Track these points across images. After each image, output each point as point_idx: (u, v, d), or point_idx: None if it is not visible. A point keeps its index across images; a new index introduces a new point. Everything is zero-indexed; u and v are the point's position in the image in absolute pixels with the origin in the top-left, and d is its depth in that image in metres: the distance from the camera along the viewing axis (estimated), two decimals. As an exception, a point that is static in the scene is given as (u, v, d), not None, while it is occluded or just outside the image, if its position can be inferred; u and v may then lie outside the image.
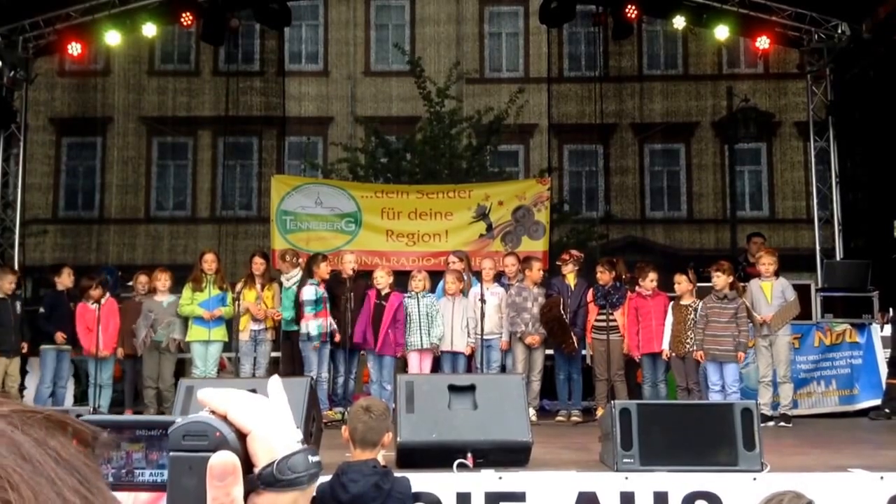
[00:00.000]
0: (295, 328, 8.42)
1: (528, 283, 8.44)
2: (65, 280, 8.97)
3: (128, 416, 0.76)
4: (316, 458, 0.71)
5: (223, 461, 0.66)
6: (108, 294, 8.82)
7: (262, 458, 0.69)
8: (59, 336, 8.58)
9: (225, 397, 0.70)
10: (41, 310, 8.86)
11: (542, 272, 8.63)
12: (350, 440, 3.48)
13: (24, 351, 8.71)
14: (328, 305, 8.31)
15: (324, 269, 8.45)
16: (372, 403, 3.57)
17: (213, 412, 0.70)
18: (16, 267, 10.57)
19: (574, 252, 9.09)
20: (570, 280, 8.55)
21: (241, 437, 0.69)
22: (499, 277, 8.92)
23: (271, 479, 0.68)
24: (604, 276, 8.45)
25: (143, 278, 8.95)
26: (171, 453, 0.68)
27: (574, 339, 8.24)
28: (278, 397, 0.75)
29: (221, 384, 5.75)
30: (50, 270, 9.44)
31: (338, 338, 8.30)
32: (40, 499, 0.49)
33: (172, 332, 8.52)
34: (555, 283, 8.60)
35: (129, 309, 8.81)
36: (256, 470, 0.69)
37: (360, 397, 6.28)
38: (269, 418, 0.70)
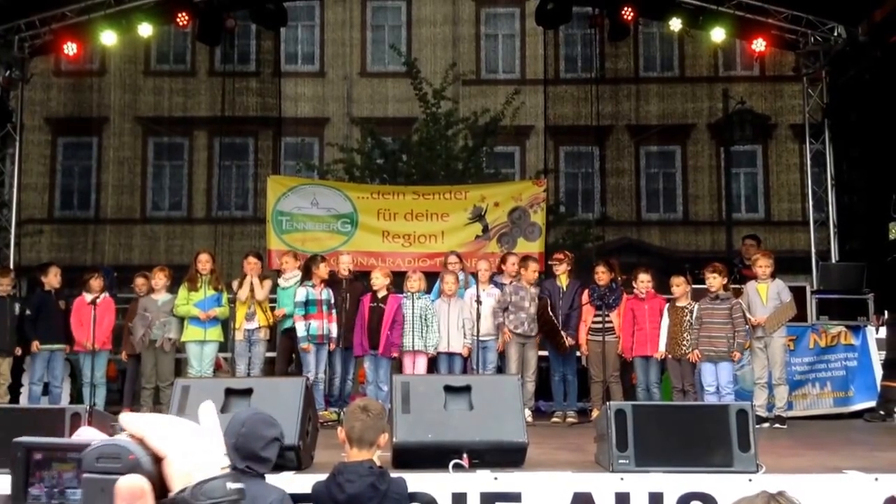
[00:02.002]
0: (289, 325, 8.42)
1: (525, 282, 8.45)
2: (51, 280, 8.88)
3: (57, 440, 0.77)
4: (237, 486, 0.71)
5: (131, 484, 0.66)
6: (105, 292, 8.82)
7: (177, 482, 0.68)
8: (35, 346, 8.54)
9: (142, 421, 0.70)
10: (27, 311, 8.78)
11: (536, 273, 8.63)
12: (347, 440, 3.48)
13: (19, 353, 8.68)
14: (325, 307, 8.30)
15: (323, 270, 8.45)
16: (369, 403, 3.58)
17: (130, 435, 0.70)
18: (11, 267, 10.56)
19: (566, 252, 9.13)
20: (563, 281, 8.56)
21: (158, 461, 0.69)
22: (493, 279, 8.93)
23: None
24: (603, 276, 8.46)
25: (140, 280, 8.95)
26: (85, 475, 0.68)
27: (565, 339, 8.25)
28: (208, 422, 0.75)
29: (217, 384, 5.74)
30: (38, 270, 9.40)
31: (332, 346, 8.29)
32: None
33: (168, 331, 8.52)
34: (546, 285, 8.61)
35: (129, 308, 8.80)
36: (171, 494, 0.68)
37: (356, 398, 6.29)
38: (187, 443, 0.70)
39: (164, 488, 0.68)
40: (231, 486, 0.70)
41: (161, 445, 0.69)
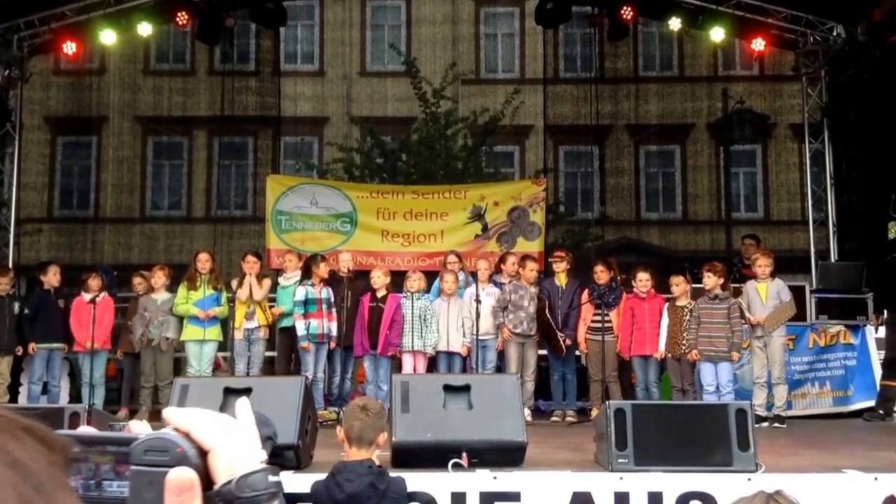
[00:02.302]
0: (289, 325, 8.43)
1: (524, 281, 8.45)
2: (51, 279, 8.87)
3: (99, 433, 0.79)
4: (276, 479, 0.73)
5: (180, 476, 0.67)
6: (104, 291, 8.82)
7: (222, 475, 0.70)
8: (31, 347, 8.53)
9: (188, 416, 0.72)
10: (26, 311, 8.77)
11: (534, 272, 8.63)
12: (346, 439, 3.48)
13: (20, 353, 8.67)
14: (324, 306, 8.30)
15: (323, 270, 8.45)
16: (368, 403, 3.58)
17: (176, 429, 0.71)
18: (10, 266, 10.55)
19: (566, 251, 9.14)
20: (562, 280, 8.56)
21: (203, 454, 0.70)
22: (492, 278, 8.93)
23: (230, 496, 0.70)
24: (602, 275, 8.46)
25: (137, 279, 8.94)
26: (133, 467, 0.69)
27: (562, 340, 8.25)
28: (245, 417, 0.77)
29: (216, 383, 5.74)
30: (37, 269, 9.39)
31: (332, 345, 8.29)
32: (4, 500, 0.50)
33: (166, 330, 8.51)
34: (545, 285, 8.61)
35: (129, 308, 8.80)
36: (216, 487, 0.70)
37: (355, 397, 6.28)
38: (231, 437, 0.72)
39: (208, 481, 0.70)
40: (272, 478, 0.73)
41: (206, 439, 0.71)
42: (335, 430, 3.74)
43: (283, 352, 8.71)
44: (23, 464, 0.53)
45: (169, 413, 0.73)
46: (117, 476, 0.75)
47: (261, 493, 0.71)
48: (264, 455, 0.75)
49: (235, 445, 0.72)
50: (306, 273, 8.50)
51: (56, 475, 0.55)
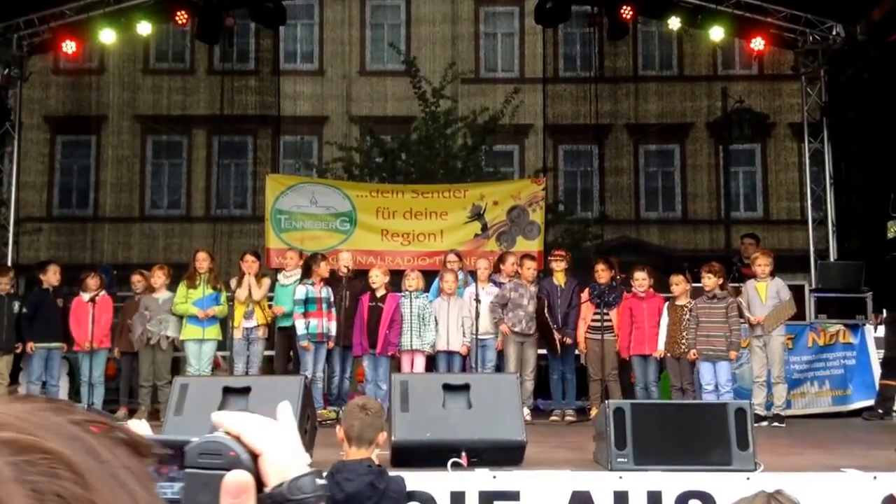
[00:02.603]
0: (286, 324, 8.43)
1: (524, 280, 8.46)
2: (50, 278, 8.85)
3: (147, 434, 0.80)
4: (322, 482, 0.75)
5: (238, 479, 0.69)
6: (104, 290, 8.81)
7: (273, 478, 0.72)
8: (30, 347, 8.53)
9: (239, 420, 0.74)
10: (24, 310, 8.76)
11: (533, 271, 8.62)
12: (345, 438, 3.49)
13: (19, 351, 8.67)
14: (324, 305, 8.30)
15: (323, 269, 8.45)
16: (368, 402, 3.58)
17: (227, 433, 0.73)
18: (9, 266, 10.54)
19: (565, 250, 9.15)
20: (560, 279, 8.56)
21: (254, 457, 0.72)
22: (491, 277, 8.93)
23: (281, 499, 0.71)
24: (603, 274, 8.46)
25: (137, 277, 8.94)
26: (188, 470, 0.71)
27: (559, 341, 8.25)
28: (287, 421, 0.79)
29: (215, 382, 5.75)
30: (37, 268, 9.38)
31: (331, 344, 8.30)
32: (116, 501, 0.51)
33: (165, 329, 8.51)
34: (544, 284, 8.60)
35: (127, 306, 8.79)
36: (267, 489, 0.72)
37: (354, 396, 6.28)
38: (281, 441, 0.74)
39: (258, 483, 0.71)
40: (319, 481, 0.74)
41: (257, 443, 0.73)
42: (334, 430, 3.74)
43: (282, 351, 8.71)
44: (131, 469, 0.54)
45: (219, 417, 0.75)
46: (160, 477, 0.76)
47: (309, 495, 0.72)
48: (308, 458, 0.77)
49: (285, 449, 0.74)
50: (306, 272, 8.50)
51: (152, 480, 0.57)
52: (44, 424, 0.52)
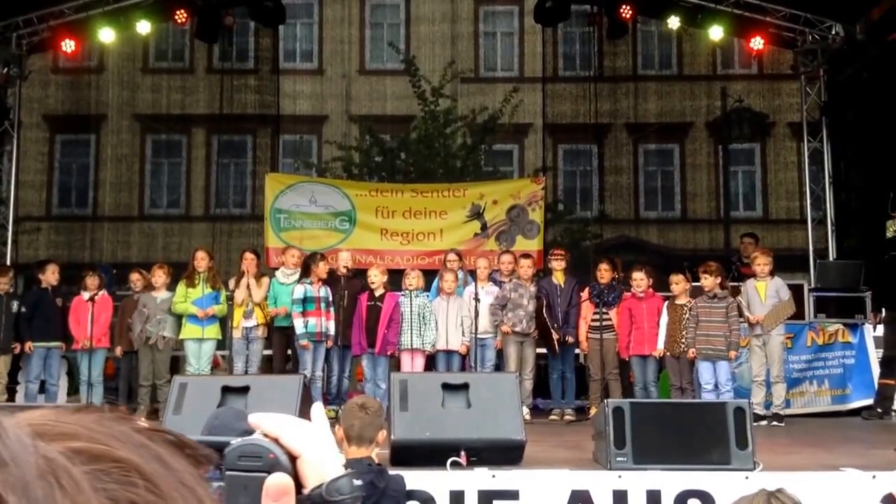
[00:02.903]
0: (287, 324, 8.43)
1: (522, 279, 8.46)
2: (49, 277, 8.83)
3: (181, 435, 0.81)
4: (359, 482, 0.76)
5: (279, 482, 0.70)
6: (104, 289, 8.81)
7: (312, 480, 0.73)
8: (28, 346, 8.52)
9: (277, 422, 0.74)
10: (23, 309, 8.75)
11: (530, 269, 8.61)
12: (345, 438, 3.49)
13: (17, 351, 8.66)
14: (323, 305, 8.31)
15: (322, 269, 8.45)
16: (367, 401, 3.58)
17: (265, 435, 0.74)
18: (8, 265, 10.54)
19: (564, 249, 9.16)
20: (560, 279, 8.56)
21: (292, 459, 0.72)
22: (491, 276, 8.93)
23: (319, 500, 0.72)
24: (606, 274, 8.46)
25: (136, 275, 8.94)
26: (228, 472, 0.71)
27: (557, 341, 8.25)
28: (321, 423, 0.79)
29: (214, 381, 5.75)
30: (36, 267, 9.37)
31: (330, 343, 8.30)
32: None
33: (163, 329, 8.51)
34: (543, 284, 8.60)
35: (126, 306, 8.80)
36: (305, 491, 0.72)
37: (354, 395, 6.29)
38: (318, 443, 0.75)
39: (297, 485, 0.72)
40: (356, 482, 0.75)
41: (296, 445, 0.73)
42: (333, 429, 3.74)
43: (279, 350, 8.71)
44: (194, 476, 0.55)
45: (257, 419, 0.75)
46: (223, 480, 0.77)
47: (346, 496, 0.73)
48: (343, 459, 0.78)
49: (322, 451, 0.75)
50: (305, 271, 8.50)
51: (205, 482, 0.57)
52: (112, 433, 0.52)
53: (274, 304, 8.53)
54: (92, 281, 8.72)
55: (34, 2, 10.85)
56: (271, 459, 0.71)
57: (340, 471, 0.74)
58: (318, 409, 0.83)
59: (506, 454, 4.98)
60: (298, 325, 8.20)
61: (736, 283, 8.89)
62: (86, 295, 8.64)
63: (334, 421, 5.92)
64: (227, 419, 3.31)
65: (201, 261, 8.58)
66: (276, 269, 9.37)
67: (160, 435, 0.56)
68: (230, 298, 8.47)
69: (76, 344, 8.62)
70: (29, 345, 8.54)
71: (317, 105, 17.43)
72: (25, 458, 0.48)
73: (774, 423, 7.80)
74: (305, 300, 8.25)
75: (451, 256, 9.13)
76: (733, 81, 16.59)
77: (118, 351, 8.78)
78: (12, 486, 0.46)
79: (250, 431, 0.74)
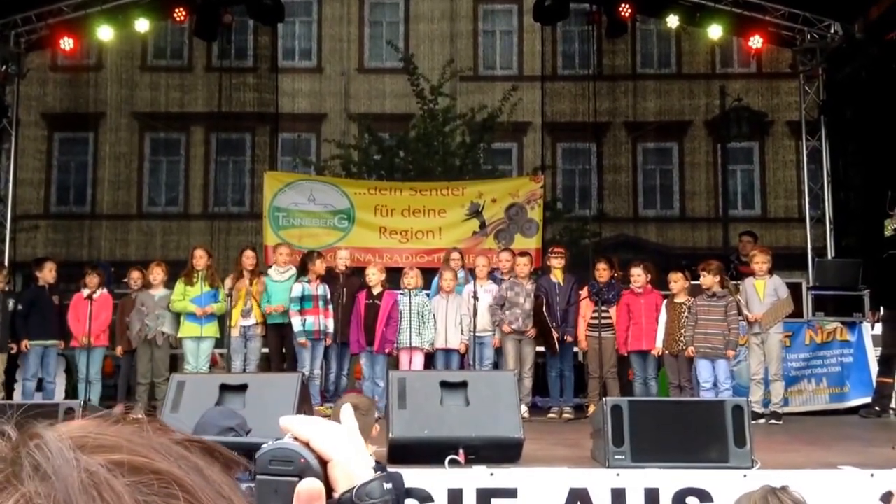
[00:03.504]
0: (281, 321, 8.43)
1: (519, 277, 8.46)
2: (46, 275, 8.82)
3: (217, 438, 0.81)
4: (389, 486, 0.75)
5: (310, 487, 0.70)
6: (104, 287, 8.80)
7: (343, 484, 0.73)
8: (24, 345, 8.50)
9: (307, 425, 0.75)
10: (19, 307, 8.74)
11: (527, 267, 8.61)
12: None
13: (14, 350, 8.65)
14: (320, 303, 8.30)
15: (319, 267, 8.44)
16: (358, 400, 3.58)
17: (296, 439, 0.74)
18: (6, 263, 10.54)
19: (563, 247, 9.17)
20: (558, 277, 8.56)
21: (322, 463, 0.73)
22: (492, 274, 8.94)
23: None
24: (604, 273, 8.47)
25: (136, 274, 8.94)
26: (259, 477, 0.72)
27: (556, 341, 8.25)
28: (351, 426, 0.79)
29: (212, 380, 5.74)
30: (34, 265, 9.36)
31: (328, 341, 8.30)
32: None
33: (162, 325, 8.51)
34: (542, 282, 8.61)
35: (126, 304, 8.79)
36: (336, 495, 0.73)
37: (352, 393, 6.28)
38: (349, 447, 0.75)
39: (328, 489, 0.72)
40: (386, 486, 0.75)
41: (326, 449, 0.73)
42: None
43: (275, 348, 8.71)
44: (230, 486, 0.55)
45: (288, 422, 0.75)
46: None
47: (377, 500, 0.73)
48: (373, 462, 0.77)
49: (353, 455, 0.74)
50: (303, 270, 8.50)
51: (241, 492, 0.58)
52: (151, 445, 0.53)
53: (268, 302, 8.52)
54: (92, 279, 8.71)
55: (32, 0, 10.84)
56: (302, 464, 0.71)
57: (371, 474, 0.74)
58: (346, 411, 0.82)
59: (504, 452, 4.98)
60: (296, 323, 8.20)
61: (735, 282, 8.89)
62: (85, 292, 8.64)
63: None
64: (213, 417, 3.32)
65: (200, 259, 8.58)
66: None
67: (197, 445, 0.56)
68: (229, 296, 8.46)
69: (74, 341, 8.61)
70: (25, 343, 8.52)
71: (315, 103, 17.41)
72: (68, 472, 0.48)
73: (773, 421, 7.80)
74: (303, 298, 8.26)
75: (455, 255, 9.16)
76: (732, 80, 16.58)
77: (119, 350, 8.77)
78: (55, 499, 0.47)
79: (233, 428, 0.74)
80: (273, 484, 0.70)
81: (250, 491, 0.70)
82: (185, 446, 0.55)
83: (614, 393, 7.87)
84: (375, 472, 0.76)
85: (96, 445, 0.51)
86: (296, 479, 0.70)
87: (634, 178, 17.13)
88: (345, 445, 0.74)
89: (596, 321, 8.30)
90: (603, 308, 8.32)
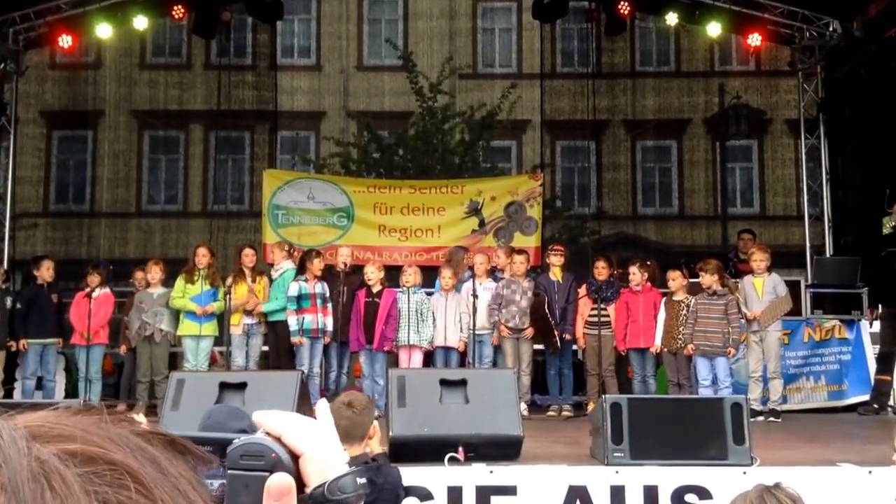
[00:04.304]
0: (278, 319, 8.44)
1: (516, 275, 8.47)
2: (43, 273, 8.81)
3: (185, 433, 0.80)
4: (363, 480, 0.75)
5: (280, 482, 0.69)
6: (105, 286, 8.80)
7: (314, 479, 0.72)
8: (22, 344, 8.49)
9: (280, 420, 0.74)
10: (18, 305, 8.73)
11: (523, 265, 8.62)
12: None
13: (13, 349, 8.65)
14: (319, 301, 8.31)
15: (317, 266, 8.45)
16: (353, 399, 3.57)
17: (268, 433, 0.73)
18: (5, 261, 10.54)
19: (563, 245, 9.18)
20: (557, 275, 8.57)
21: (294, 458, 0.72)
22: (492, 272, 8.95)
23: (322, 500, 0.71)
24: (603, 271, 8.47)
25: (139, 274, 8.94)
26: (230, 472, 0.71)
27: (557, 339, 8.26)
28: (325, 420, 0.78)
29: (212, 378, 5.75)
30: (32, 263, 9.36)
31: (328, 339, 8.31)
32: None
33: (160, 322, 8.51)
34: (541, 280, 8.62)
35: (127, 304, 8.80)
36: (308, 490, 0.72)
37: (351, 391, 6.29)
38: (321, 441, 0.74)
39: (299, 484, 0.71)
40: (359, 480, 0.74)
41: (298, 443, 0.73)
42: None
43: (274, 346, 8.72)
44: (191, 481, 0.55)
45: (261, 417, 0.74)
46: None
47: (349, 495, 0.72)
48: (347, 457, 0.76)
49: (325, 449, 0.74)
50: (301, 268, 8.51)
51: (209, 492, 0.58)
52: (109, 436, 0.52)
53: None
54: (93, 278, 8.69)
55: (31, -3, 10.84)
56: (273, 458, 0.70)
57: (344, 469, 0.73)
58: (322, 406, 0.82)
59: (503, 450, 4.99)
60: (292, 321, 8.21)
61: (734, 280, 8.90)
62: (86, 291, 8.63)
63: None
64: (222, 418, 3.28)
65: (202, 258, 8.58)
66: (272, 264, 9.38)
67: (160, 438, 0.56)
68: (227, 294, 8.47)
69: (74, 339, 8.61)
70: (23, 342, 8.51)
71: (314, 101, 17.40)
72: (18, 460, 0.48)
73: (771, 418, 7.81)
74: (300, 297, 8.26)
75: (462, 253, 9.22)
76: (731, 78, 16.58)
77: (122, 349, 8.78)
78: (3, 486, 0.47)
79: (245, 430, 0.73)
80: (244, 479, 0.70)
81: (224, 488, 0.70)
82: (147, 439, 0.55)
83: (613, 391, 7.88)
84: (351, 465, 0.75)
85: (53, 435, 0.51)
86: (267, 473, 0.69)
87: (633, 176, 17.14)
88: (317, 440, 0.73)
89: (595, 319, 8.31)
90: (601, 306, 8.33)
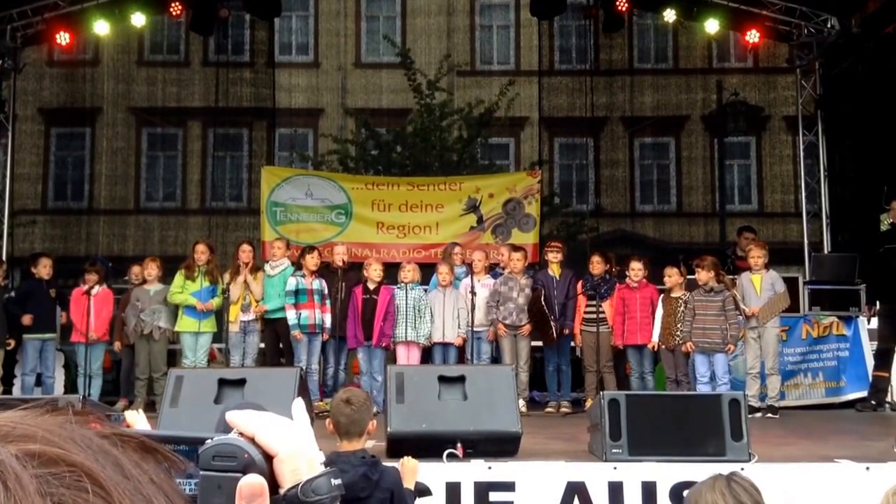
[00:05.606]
0: (276, 316, 8.44)
1: (513, 272, 8.48)
2: (41, 271, 8.82)
3: (159, 432, 0.79)
4: (338, 482, 0.73)
5: (252, 483, 0.68)
6: (104, 283, 8.81)
7: (288, 479, 0.71)
8: (27, 318, 8.49)
9: (253, 420, 0.73)
10: (14, 298, 8.71)
11: (521, 262, 8.63)
12: (335, 433, 3.51)
13: (10, 346, 8.65)
14: (316, 297, 8.31)
15: (310, 261, 8.44)
16: (352, 395, 3.58)
17: (241, 434, 0.72)
18: (4, 258, 10.53)
19: (561, 242, 9.19)
20: (555, 271, 8.58)
21: (268, 458, 0.71)
22: (491, 269, 8.96)
23: (295, 501, 0.71)
24: (598, 266, 8.48)
25: (136, 269, 8.94)
26: (202, 472, 0.70)
27: (553, 331, 8.27)
28: (302, 420, 0.77)
29: (211, 374, 5.75)
30: (30, 260, 9.36)
31: (325, 336, 8.31)
32: None
33: (158, 319, 8.51)
34: (539, 276, 8.62)
35: (124, 300, 8.80)
36: (282, 491, 0.71)
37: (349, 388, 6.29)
38: (295, 442, 0.73)
39: (273, 485, 0.71)
40: (334, 481, 0.73)
41: (272, 444, 0.72)
42: (325, 422, 3.75)
43: (270, 343, 8.72)
44: (160, 485, 0.55)
45: (234, 417, 0.73)
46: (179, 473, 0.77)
47: (324, 496, 0.71)
48: (323, 457, 0.76)
49: (299, 450, 0.73)
50: (299, 264, 8.52)
51: (182, 495, 0.57)
52: (72, 437, 0.52)
53: (263, 300, 8.55)
54: (91, 275, 8.70)
55: (28, -6, 10.82)
56: (246, 459, 0.69)
57: (318, 470, 0.72)
58: (298, 406, 0.80)
59: (502, 446, 5.00)
60: (290, 316, 8.21)
61: (732, 276, 8.91)
62: (84, 288, 8.63)
63: (328, 414, 5.93)
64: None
65: (202, 254, 8.58)
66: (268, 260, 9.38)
67: (130, 440, 0.55)
68: (225, 292, 8.47)
69: (75, 335, 8.61)
70: (11, 341, 8.49)
71: (312, 98, 17.39)
72: None
73: (769, 415, 7.83)
74: (298, 292, 8.26)
75: (457, 249, 9.19)
76: (729, 75, 16.58)
77: (117, 346, 8.78)
78: None
79: None
80: (216, 479, 0.69)
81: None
82: (114, 441, 0.54)
83: (611, 387, 7.89)
84: (327, 465, 0.75)
85: (16, 435, 0.51)
86: (239, 474, 0.68)
87: (631, 173, 17.15)
88: (292, 440, 0.72)
89: (592, 315, 8.32)
90: (596, 302, 8.33)
